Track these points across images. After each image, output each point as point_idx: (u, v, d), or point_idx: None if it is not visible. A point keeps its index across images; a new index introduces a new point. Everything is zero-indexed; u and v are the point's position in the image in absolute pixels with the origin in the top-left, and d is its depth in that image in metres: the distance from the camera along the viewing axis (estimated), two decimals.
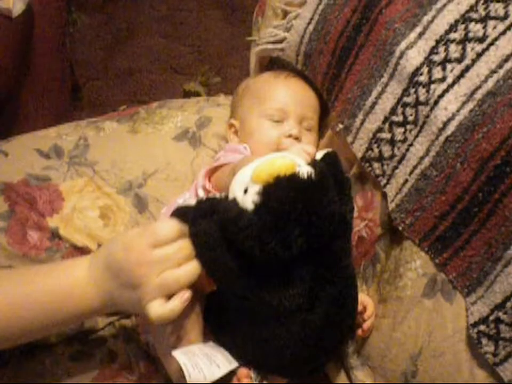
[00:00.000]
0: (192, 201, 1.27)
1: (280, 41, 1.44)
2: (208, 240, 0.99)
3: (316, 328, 1.05)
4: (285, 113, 1.36)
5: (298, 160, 0.99)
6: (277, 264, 0.98)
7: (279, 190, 0.93)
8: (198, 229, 1.01)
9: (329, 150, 1.08)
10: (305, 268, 1.01)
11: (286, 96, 1.38)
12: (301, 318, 1.04)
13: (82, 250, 1.32)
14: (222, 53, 2.87)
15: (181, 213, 1.06)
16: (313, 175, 0.96)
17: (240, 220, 0.94)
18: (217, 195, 1.05)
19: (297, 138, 1.34)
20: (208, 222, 0.99)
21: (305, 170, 0.97)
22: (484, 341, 1.05)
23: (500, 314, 1.03)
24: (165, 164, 1.43)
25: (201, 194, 1.28)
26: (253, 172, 0.97)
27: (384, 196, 1.22)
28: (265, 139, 1.35)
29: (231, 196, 1.01)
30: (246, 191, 0.97)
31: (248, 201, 0.96)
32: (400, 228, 1.18)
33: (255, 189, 0.95)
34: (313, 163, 1.02)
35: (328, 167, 1.01)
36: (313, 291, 1.03)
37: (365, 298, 1.23)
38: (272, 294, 1.01)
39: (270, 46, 1.47)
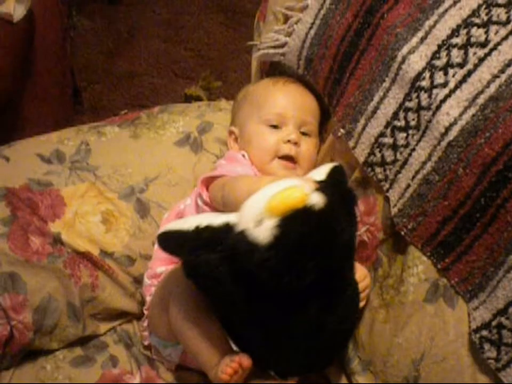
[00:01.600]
0: (192, 211, 1.29)
1: (282, 46, 1.44)
2: (211, 271, 0.98)
3: (322, 346, 1.05)
4: (283, 118, 1.36)
5: (307, 188, 0.99)
6: (285, 294, 0.98)
7: (297, 224, 0.95)
8: (200, 260, 0.99)
9: (335, 164, 1.08)
10: (312, 295, 1.01)
11: (284, 101, 1.38)
12: (308, 343, 1.03)
13: (84, 256, 1.32)
14: (223, 57, 2.86)
15: (177, 241, 1.03)
16: (324, 205, 0.96)
17: (255, 254, 0.94)
18: (216, 221, 1.02)
19: (296, 143, 1.34)
20: (210, 253, 0.98)
21: (315, 199, 0.97)
22: (486, 346, 1.05)
23: (502, 319, 1.03)
24: (167, 169, 1.43)
25: (200, 203, 1.29)
26: (268, 204, 0.96)
27: (387, 200, 1.22)
28: (264, 145, 1.35)
29: (232, 220, 1.00)
30: (259, 222, 0.96)
31: (263, 234, 0.95)
32: (402, 233, 1.17)
33: (271, 223, 0.95)
34: (322, 188, 1.01)
35: (335, 189, 1.02)
36: (320, 318, 1.02)
37: (360, 269, 1.22)
38: (279, 322, 1.01)
39: (271, 51, 1.47)
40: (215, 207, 1.23)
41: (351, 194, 1.06)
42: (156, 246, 1.35)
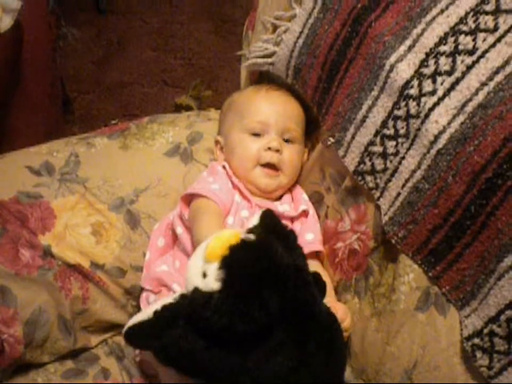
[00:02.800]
0: (177, 222, 1.28)
1: (270, 56, 1.44)
2: (183, 345, 0.96)
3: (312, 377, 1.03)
4: (265, 126, 1.36)
5: (238, 230, 1.02)
6: (257, 336, 0.96)
7: (238, 256, 0.95)
8: (169, 341, 0.97)
9: (264, 209, 1.08)
10: (282, 331, 0.98)
11: (266, 108, 1.38)
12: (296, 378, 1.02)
13: (75, 268, 1.32)
14: (213, 65, 2.87)
15: (142, 333, 1.00)
16: (258, 237, 0.98)
17: (211, 302, 0.93)
18: (169, 299, 1.00)
19: (278, 151, 1.34)
20: (176, 329, 0.97)
21: (247, 236, 0.98)
22: (478, 354, 1.05)
23: (494, 327, 1.03)
24: (157, 180, 1.43)
25: (179, 230, 1.31)
26: (205, 254, 0.97)
27: (378, 208, 1.22)
28: (245, 153, 1.35)
29: (183, 290, 1.00)
30: (204, 275, 0.97)
31: (211, 281, 0.95)
32: (393, 241, 1.17)
33: (213, 267, 0.95)
34: (250, 230, 1.02)
35: (267, 228, 1.03)
36: (300, 349, 1.01)
37: (339, 307, 1.21)
38: (261, 369, 0.99)
39: (260, 60, 1.47)
40: None
41: (286, 230, 1.06)
42: (147, 257, 1.35)
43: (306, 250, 1.17)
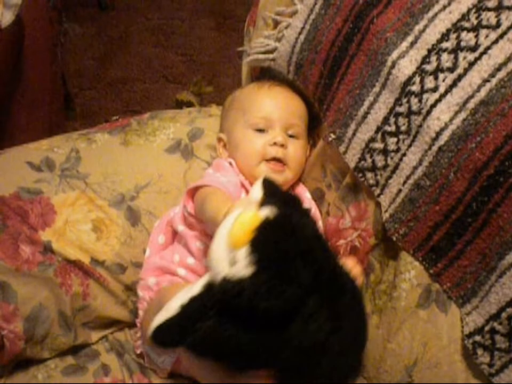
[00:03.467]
0: (178, 220, 1.30)
1: (271, 51, 1.44)
2: (218, 335, 0.96)
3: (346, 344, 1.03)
4: (269, 121, 1.36)
5: (252, 208, 0.99)
6: (292, 312, 0.96)
7: (266, 237, 0.94)
8: (203, 333, 0.96)
9: (262, 177, 1.07)
10: (314, 299, 0.97)
11: (270, 104, 1.38)
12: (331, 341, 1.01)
13: (75, 264, 1.31)
14: (214, 61, 2.87)
15: (170, 331, 0.99)
16: (276, 212, 0.97)
17: (246, 290, 0.92)
18: (195, 290, 0.98)
19: (282, 146, 1.34)
20: (208, 320, 0.95)
21: (265, 211, 0.97)
22: (479, 351, 1.05)
23: (495, 324, 1.03)
24: (158, 176, 1.43)
25: (186, 214, 1.29)
26: (230, 241, 0.96)
27: (378, 205, 1.22)
28: (250, 149, 1.35)
29: (208, 279, 0.98)
30: (232, 263, 0.95)
31: (242, 267, 0.93)
32: (394, 238, 1.17)
33: (242, 254, 0.94)
34: (263, 201, 1.01)
35: (274, 196, 1.02)
36: (332, 313, 1.00)
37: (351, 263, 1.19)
38: (300, 338, 0.99)
39: (261, 56, 1.47)
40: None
41: (290, 195, 1.08)
42: (147, 253, 1.35)
43: None
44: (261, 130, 1.35)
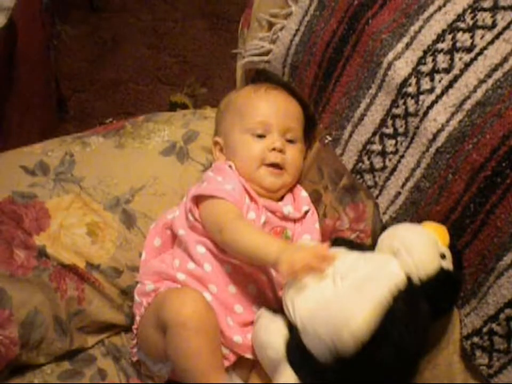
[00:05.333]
0: (182, 223, 1.31)
1: (266, 54, 1.44)
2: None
3: None
4: (267, 126, 1.35)
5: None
6: None
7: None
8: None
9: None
10: None
11: (267, 108, 1.37)
12: None
13: (70, 268, 1.31)
14: (208, 63, 2.86)
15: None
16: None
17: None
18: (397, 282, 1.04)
19: (281, 151, 1.34)
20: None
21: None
22: (478, 352, 1.05)
23: (493, 325, 1.03)
24: (153, 179, 1.42)
25: (191, 218, 1.29)
26: (440, 240, 1.06)
27: (376, 206, 1.22)
28: (249, 154, 1.34)
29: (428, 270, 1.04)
30: (442, 256, 1.05)
31: (450, 261, 1.06)
32: None
33: (446, 250, 1.06)
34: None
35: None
36: None
37: None
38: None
39: (256, 59, 1.46)
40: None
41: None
42: (143, 257, 1.34)
43: None
44: (259, 135, 1.35)
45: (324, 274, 1.06)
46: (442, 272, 1.04)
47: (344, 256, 1.09)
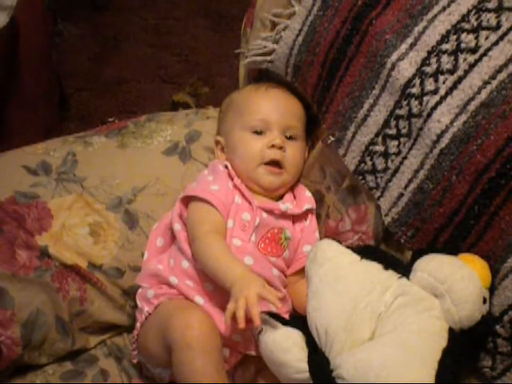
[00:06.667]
0: (177, 220, 1.30)
1: (269, 53, 1.43)
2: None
3: None
4: (267, 123, 1.35)
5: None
6: None
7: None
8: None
9: None
10: None
11: (267, 106, 1.37)
12: None
13: (72, 269, 1.30)
14: (211, 62, 2.85)
15: None
16: None
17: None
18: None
19: (281, 148, 1.33)
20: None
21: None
22: (482, 355, 1.04)
23: (497, 328, 1.03)
24: (155, 179, 1.41)
25: (177, 226, 1.30)
26: (482, 284, 1.04)
27: (377, 208, 1.21)
28: (248, 152, 1.34)
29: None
30: (484, 299, 1.04)
31: (487, 305, 1.04)
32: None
33: (487, 294, 1.05)
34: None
35: None
36: None
37: None
38: None
39: (259, 58, 1.46)
40: None
41: None
42: (145, 257, 1.34)
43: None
44: (258, 133, 1.34)
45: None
46: (482, 321, 1.03)
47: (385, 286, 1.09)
